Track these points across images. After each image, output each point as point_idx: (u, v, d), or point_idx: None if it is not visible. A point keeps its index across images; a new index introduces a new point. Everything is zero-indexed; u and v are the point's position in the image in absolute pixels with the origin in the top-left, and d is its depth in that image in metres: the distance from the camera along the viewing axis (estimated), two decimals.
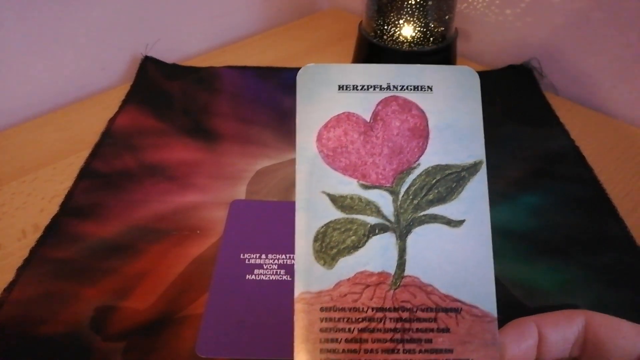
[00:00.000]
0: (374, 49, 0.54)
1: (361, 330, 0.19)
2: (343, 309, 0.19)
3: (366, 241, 0.20)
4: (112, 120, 0.50)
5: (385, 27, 0.52)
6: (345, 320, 0.19)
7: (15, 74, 0.53)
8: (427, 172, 0.20)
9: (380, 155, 0.21)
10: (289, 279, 0.35)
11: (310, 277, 0.19)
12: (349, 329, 0.19)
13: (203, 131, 0.49)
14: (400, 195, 0.20)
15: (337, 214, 0.20)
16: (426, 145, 0.21)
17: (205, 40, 0.67)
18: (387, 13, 0.51)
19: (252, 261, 0.36)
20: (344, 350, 0.19)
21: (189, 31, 0.66)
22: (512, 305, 0.34)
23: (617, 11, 0.51)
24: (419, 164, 0.20)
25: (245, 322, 0.32)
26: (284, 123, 0.51)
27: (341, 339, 0.19)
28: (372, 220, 0.20)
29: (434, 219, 0.20)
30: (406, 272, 0.20)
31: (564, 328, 0.20)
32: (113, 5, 0.57)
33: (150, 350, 0.31)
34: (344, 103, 0.21)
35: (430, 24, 0.51)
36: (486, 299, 0.19)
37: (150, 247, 0.37)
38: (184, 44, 0.65)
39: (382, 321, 0.19)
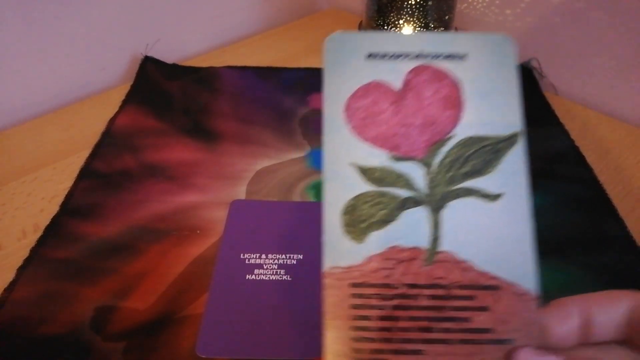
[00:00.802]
0: None
1: (394, 308, 0.18)
2: (374, 285, 0.18)
3: (398, 215, 0.19)
4: (112, 120, 0.50)
5: (385, 27, 0.52)
6: (378, 296, 0.18)
7: (15, 73, 0.53)
8: (462, 144, 0.19)
9: (411, 126, 0.20)
10: (289, 279, 0.35)
11: (339, 252, 0.19)
12: (382, 306, 0.18)
13: (203, 131, 0.49)
14: (434, 168, 0.19)
15: (367, 187, 0.19)
16: (460, 116, 0.20)
17: (205, 40, 0.67)
18: (387, 13, 0.51)
19: (252, 261, 0.36)
20: (376, 328, 0.18)
21: (189, 31, 0.66)
22: None
23: (617, 11, 0.51)
24: (453, 135, 0.20)
25: (245, 322, 0.32)
26: (284, 123, 0.51)
27: (373, 317, 0.18)
28: (403, 193, 0.19)
29: (469, 192, 0.19)
30: (440, 248, 0.19)
31: (611, 308, 0.19)
32: (113, 5, 0.57)
33: (150, 350, 0.31)
34: (373, 72, 0.20)
35: (430, 24, 0.51)
36: (526, 277, 0.18)
37: (150, 247, 0.37)
38: (184, 44, 0.65)
39: (416, 298, 0.18)
